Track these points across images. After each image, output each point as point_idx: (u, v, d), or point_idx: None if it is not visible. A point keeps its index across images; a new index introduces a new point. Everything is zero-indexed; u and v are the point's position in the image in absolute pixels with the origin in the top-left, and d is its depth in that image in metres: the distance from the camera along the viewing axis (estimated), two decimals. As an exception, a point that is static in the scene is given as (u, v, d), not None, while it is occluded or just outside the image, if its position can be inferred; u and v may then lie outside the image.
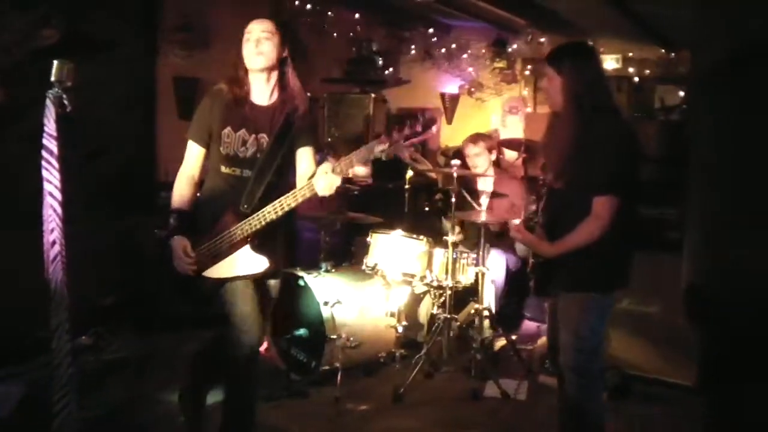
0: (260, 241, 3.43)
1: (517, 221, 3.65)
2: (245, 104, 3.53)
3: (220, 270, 3.46)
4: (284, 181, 3.54)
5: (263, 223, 3.38)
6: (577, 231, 3.28)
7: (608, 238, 3.26)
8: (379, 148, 3.21)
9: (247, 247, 3.42)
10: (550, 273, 3.46)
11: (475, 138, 6.06)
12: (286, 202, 3.34)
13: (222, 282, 3.47)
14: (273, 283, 3.67)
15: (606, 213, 3.23)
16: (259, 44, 3.45)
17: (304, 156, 3.58)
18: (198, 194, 3.65)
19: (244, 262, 3.42)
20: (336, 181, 3.29)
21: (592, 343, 3.38)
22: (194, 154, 3.61)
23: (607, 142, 3.26)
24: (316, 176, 3.31)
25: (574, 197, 3.31)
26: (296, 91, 3.57)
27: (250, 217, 3.40)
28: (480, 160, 5.94)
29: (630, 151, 3.33)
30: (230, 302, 3.45)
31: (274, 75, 3.54)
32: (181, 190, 3.60)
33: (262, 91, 3.56)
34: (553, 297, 3.58)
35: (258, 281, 3.53)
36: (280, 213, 3.35)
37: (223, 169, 3.54)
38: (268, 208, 3.37)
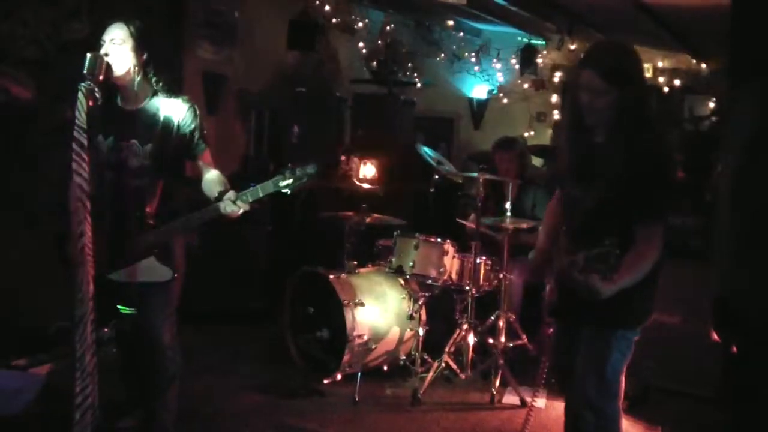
0: None
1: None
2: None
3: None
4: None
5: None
6: (634, 265, 2.86)
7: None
8: (284, 183, 3.12)
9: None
10: (570, 302, 3.04)
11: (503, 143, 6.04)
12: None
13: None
14: None
15: (659, 243, 2.91)
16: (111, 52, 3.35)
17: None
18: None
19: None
20: (239, 210, 3.21)
21: (615, 386, 3.10)
22: None
23: (662, 167, 2.95)
24: (223, 201, 3.22)
25: (608, 218, 2.95)
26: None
27: None
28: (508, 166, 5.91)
29: (676, 175, 3.11)
30: None
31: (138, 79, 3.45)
32: None
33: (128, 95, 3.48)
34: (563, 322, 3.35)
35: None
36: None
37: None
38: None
